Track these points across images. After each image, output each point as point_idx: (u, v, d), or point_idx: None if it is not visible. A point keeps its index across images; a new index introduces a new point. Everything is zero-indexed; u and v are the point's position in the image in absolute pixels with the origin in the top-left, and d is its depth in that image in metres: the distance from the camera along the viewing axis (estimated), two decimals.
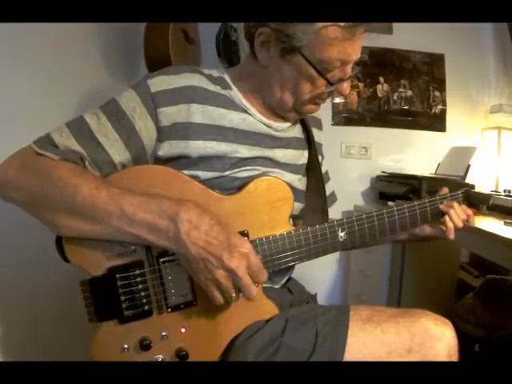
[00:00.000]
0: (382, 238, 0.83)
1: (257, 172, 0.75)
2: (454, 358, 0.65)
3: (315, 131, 0.93)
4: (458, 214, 0.83)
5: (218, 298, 0.61)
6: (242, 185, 0.72)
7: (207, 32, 1.81)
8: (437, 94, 2.06)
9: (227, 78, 0.79)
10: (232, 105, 0.76)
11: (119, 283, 0.64)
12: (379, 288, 1.79)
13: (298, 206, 0.83)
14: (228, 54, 1.75)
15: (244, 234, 0.70)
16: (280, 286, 0.85)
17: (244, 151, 0.75)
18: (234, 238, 0.60)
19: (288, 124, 0.83)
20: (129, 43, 1.62)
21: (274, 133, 0.80)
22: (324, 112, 1.65)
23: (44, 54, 1.04)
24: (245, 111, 0.77)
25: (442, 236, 0.85)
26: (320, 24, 0.66)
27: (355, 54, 0.72)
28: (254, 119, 0.78)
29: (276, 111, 0.80)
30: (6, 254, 0.90)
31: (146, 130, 0.69)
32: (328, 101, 0.91)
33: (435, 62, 2.06)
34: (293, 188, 0.77)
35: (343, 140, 2.05)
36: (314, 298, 0.91)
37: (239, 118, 0.76)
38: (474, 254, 1.90)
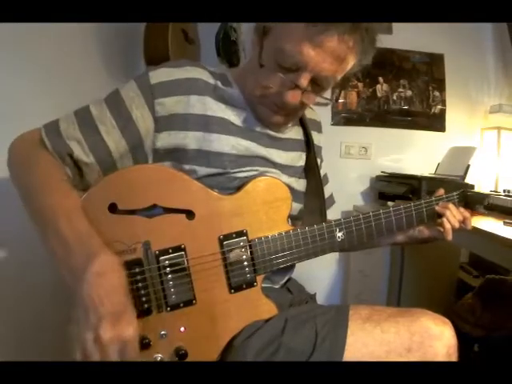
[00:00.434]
0: (380, 238, 0.83)
1: (255, 172, 0.75)
2: (454, 357, 0.65)
3: (314, 134, 0.93)
4: (454, 214, 0.83)
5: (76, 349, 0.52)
6: (240, 185, 0.73)
7: (207, 32, 1.81)
8: (436, 94, 2.06)
9: (229, 76, 0.79)
10: (231, 100, 0.77)
11: None
12: (379, 288, 1.80)
13: (297, 206, 0.84)
14: (227, 53, 1.76)
15: (243, 233, 0.70)
16: (280, 286, 0.86)
17: (242, 147, 0.75)
18: (126, 317, 0.53)
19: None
20: (128, 43, 1.62)
21: (271, 132, 0.81)
22: (323, 112, 1.65)
23: (44, 55, 1.04)
24: (244, 108, 0.78)
25: (441, 237, 0.85)
26: None
27: (314, 65, 0.66)
28: (253, 117, 0.78)
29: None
30: (6, 253, 0.90)
31: (143, 119, 0.70)
32: None
33: (435, 62, 2.06)
34: (291, 188, 0.77)
35: (343, 140, 2.05)
36: (313, 297, 0.91)
37: (238, 113, 0.77)
38: (473, 253, 1.90)
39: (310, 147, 0.89)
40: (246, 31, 1.79)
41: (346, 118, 2.05)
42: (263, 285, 0.73)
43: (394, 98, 2.06)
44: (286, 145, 0.84)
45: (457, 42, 2.04)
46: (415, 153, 2.07)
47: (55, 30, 1.05)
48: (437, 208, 0.85)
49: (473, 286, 1.77)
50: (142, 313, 0.64)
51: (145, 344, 0.63)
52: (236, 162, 0.74)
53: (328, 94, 0.88)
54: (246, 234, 0.70)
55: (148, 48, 1.50)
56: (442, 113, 2.07)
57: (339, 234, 0.77)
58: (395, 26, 1.94)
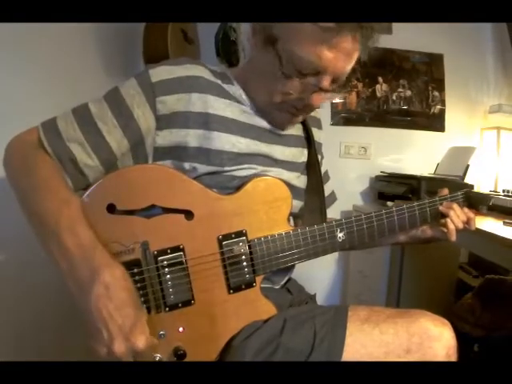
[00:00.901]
0: (382, 239, 0.83)
1: (255, 170, 0.75)
2: (453, 358, 0.65)
3: (315, 130, 0.93)
4: (458, 215, 0.82)
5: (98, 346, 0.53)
6: (240, 184, 0.72)
7: (206, 32, 1.82)
8: (436, 94, 2.07)
9: (230, 74, 0.79)
10: (233, 98, 0.77)
11: None
12: (378, 288, 1.79)
13: (298, 203, 0.83)
14: (227, 53, 1.76)
15: (242, 233, 0.70)
16: (280, 286, 0.85)
17: (242, 145, 0.75)
18: (137, 327, 0.53)
19: None
20: (128, 43, 1.62)
21: (273, 129, 0.80)
22: (323, 112, 1.64)
23: (43, 54, 1.04)
24: (245, 106, 0.77)
25: (444, 238, 0.85)
26: None
27: (334, 67, 0.66)
28: (254, 114, 0.78)
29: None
30: (6, 253, 0.90)
31: (145, 118, 0.70)
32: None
33: (434, 62, 2.06)
34: (291, 186, 0.77)
35: (342, 140, 2.05)
36: (313, 298, 0.91)
37: (240, 110, 0.76)
38: (473, 253, 1.90)
39: (310, 143, 0.89)
40: (245, 32, 1.79)
41: (346, 117, 2.05)
42: (263, 285, 0.73)
43: (394, 97, 2.06)
44: (289, 141, 0.84)
45: (456, 42, 2.04)
46: (415, 153, 2.07)
47: (55, 30, 1.05)
48: (441, 208, 0.84)
49: (472, 286, 1.77)
50: None
51: None
52: (236, 160, 0.74)
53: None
54: (245, 234, 0.70)
55: (147, 48, 1.50)
56: (442, 113, 2.07)
57: (340, 235, 0.76)
58: (395, 26, 1.94)
